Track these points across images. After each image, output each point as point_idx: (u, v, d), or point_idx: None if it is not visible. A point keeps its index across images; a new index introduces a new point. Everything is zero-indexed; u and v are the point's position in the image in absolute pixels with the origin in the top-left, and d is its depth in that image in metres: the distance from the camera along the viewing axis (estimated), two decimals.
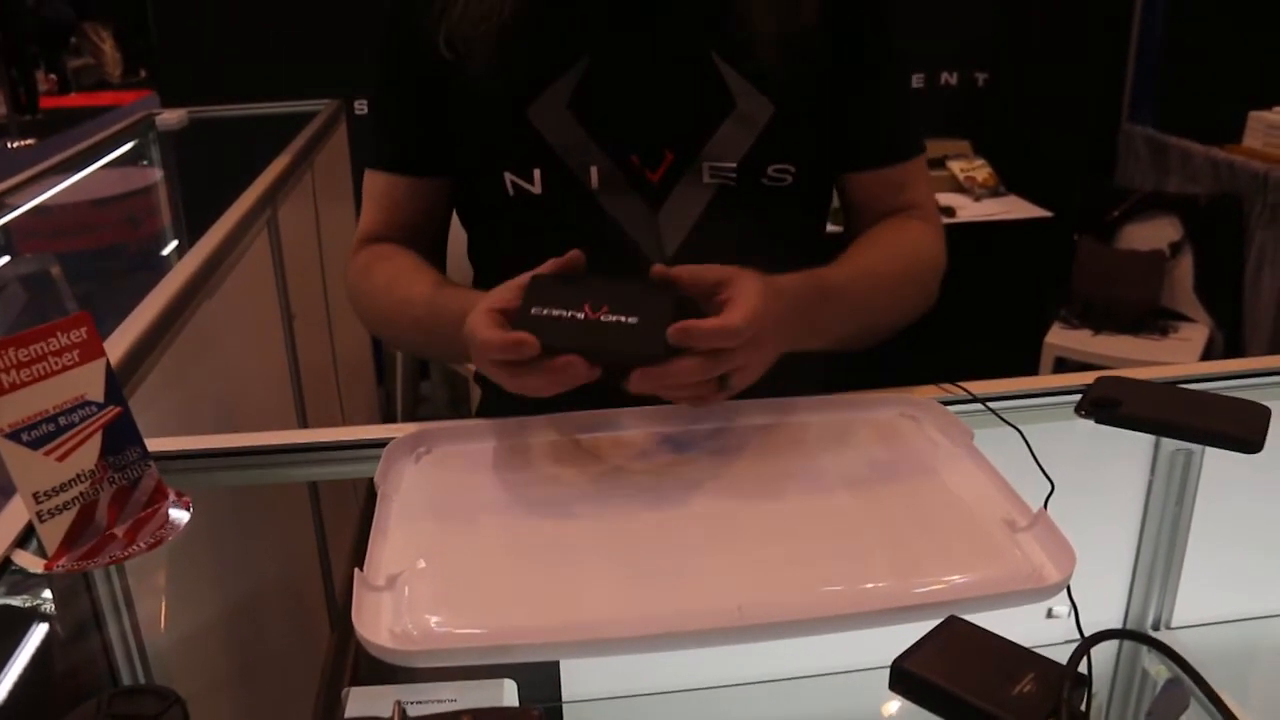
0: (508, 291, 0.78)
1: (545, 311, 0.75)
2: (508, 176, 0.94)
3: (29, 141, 5.68)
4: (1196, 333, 2.84)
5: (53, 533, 0.71)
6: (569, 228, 0.95)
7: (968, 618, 0.62)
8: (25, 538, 0.74)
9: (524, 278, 0.78)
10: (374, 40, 0.99)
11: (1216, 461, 0.88)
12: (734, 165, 0.94)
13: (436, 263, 1.03)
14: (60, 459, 0.72)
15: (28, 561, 0.72)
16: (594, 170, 0.94)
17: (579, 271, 0.79)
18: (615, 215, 0.95)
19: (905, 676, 0.57)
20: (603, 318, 0.75)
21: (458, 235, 1.10)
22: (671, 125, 0.95)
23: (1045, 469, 0.78)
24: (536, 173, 0.94)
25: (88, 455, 0.74)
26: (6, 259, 1.96)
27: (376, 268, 0.99)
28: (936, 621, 0.61)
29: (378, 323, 1.01)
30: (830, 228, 1.08)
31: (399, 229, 1.02)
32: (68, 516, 0.72)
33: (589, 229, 0.95)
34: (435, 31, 0.92)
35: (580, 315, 0.75)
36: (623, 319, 0.75)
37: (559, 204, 0.95)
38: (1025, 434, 0.83)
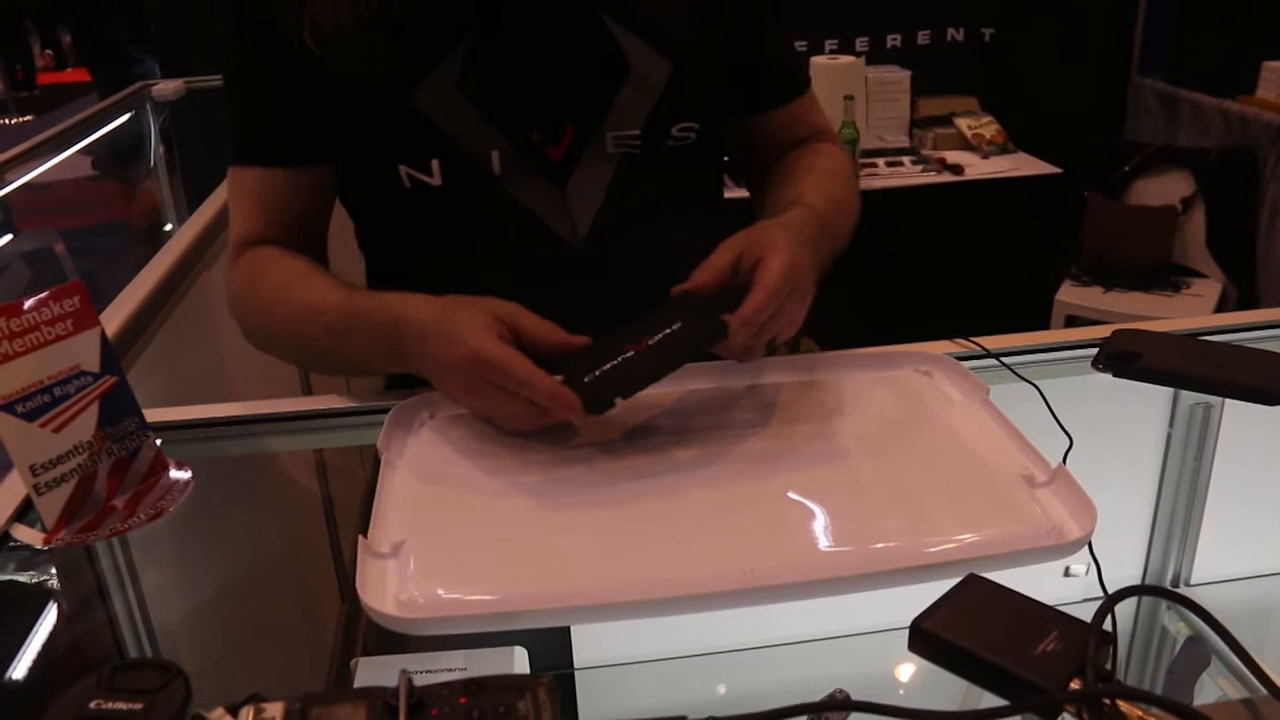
0: (497, 322, 0.75)
1: (595, 374, 0.74)
2: (403, 169, 0.88)
3: (28, 118, 5.66)
4: (1209, 289, 2.81)
5: (51, 506, 0.70)
6: (473, 217, 0.91)
7: (987, 576, 0.60)
8: (24, 511, 0.73)
9: (496, 310, 0.76)
10: (222, 31, 0.88)
11: (1236, 415, 0.87)
12: (637, 133, 0.91)
13: (321, 261, 0.95)
14: (56, 430, 0.71)
15: (27, 536, 0.71)
16: (495, 155, 0.88)
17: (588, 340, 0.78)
18: (522, 200, 0.91)
19: (925, 636, 0.56)
20: (650, 342, 0.76)
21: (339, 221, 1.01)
22: (568, 96, 0.90)
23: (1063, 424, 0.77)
24: (435, 164, 0.88)
25: (85, 426, 0.73)
26: (9, 237, 1.95)
27: (262, 278, 0.91)
28: (955, 581, 0.60)
29: (269, 335, 0.93)
30: None
31: (278, 228, 0.93)
32: (66, 489, 0.71)
33: (495, 216, 0.91)
34: (298, 21, 0.83)
35: (629, 355, 0.75)
36: (668, 330, 0.76)
37: (461, 194, 0.89)
38: (1041, 389, 0.82)
